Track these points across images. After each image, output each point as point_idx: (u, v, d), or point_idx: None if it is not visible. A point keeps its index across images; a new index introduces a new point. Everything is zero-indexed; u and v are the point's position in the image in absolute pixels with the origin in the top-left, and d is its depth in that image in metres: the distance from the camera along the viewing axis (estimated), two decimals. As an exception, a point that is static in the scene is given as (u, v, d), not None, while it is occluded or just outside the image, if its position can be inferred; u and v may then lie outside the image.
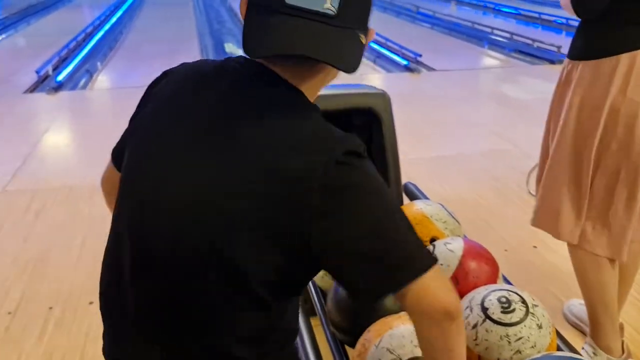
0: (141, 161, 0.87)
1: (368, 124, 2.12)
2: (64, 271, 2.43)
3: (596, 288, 1.72)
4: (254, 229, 0.78)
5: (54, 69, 6.52)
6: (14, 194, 3.20)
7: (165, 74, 0.94)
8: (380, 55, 7.21)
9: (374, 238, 0.77)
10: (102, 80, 6.11)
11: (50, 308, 2.17)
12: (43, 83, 5.95)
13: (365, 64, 7.07)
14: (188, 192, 0.81)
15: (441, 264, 1.21)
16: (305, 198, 0.76)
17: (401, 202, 2.11)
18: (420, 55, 6.84)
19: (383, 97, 2.09)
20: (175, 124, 0.85)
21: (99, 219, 2.90)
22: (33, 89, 5.76)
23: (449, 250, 1.32)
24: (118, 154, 0.94)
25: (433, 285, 0.77)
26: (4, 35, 9.27)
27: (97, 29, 8.38)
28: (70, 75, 6.27)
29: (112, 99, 4.67)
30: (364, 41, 0.82)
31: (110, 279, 0.92)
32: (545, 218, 1.76)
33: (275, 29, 0.77)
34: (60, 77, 5.93)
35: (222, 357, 0.85)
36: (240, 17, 0.82)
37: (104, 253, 0.93)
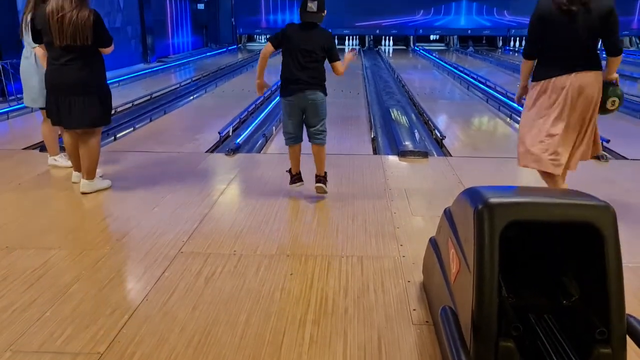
0: (293, 43, 4.02)
1: (585, 239, 1.80)
2: (226, 352, 2.36)
3: None
4: (320, 50, 4.06)
5: (234, 130, 6.97)
6: (189, 256, 3.28)
7: (285, 28, 4.09)
8: (560, 138, 6.67)
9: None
10: (276, 144, 6.33)
11: (209, 395, 2.08)
12: (223, 143, 6.34)
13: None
14: (302, 44, 4.04)
15: None
16: (327, 41, 4.08)
17: (624, 341, 1.72)
18: (608, 141, 6.19)
19: (607, 210, 1.76)
20: (298, 35, 4.04)
21: (266, 295, 2.86)
22: (214, 149, 6.15)
23: None
24: (277, 43, 4.03)
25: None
26: (195, 95, 10.25)
27: (274, 93, 8.90)
28: (248, 138, 6.61)
29: (282, 164, 4.75)
30: (323, 14, 4.07)
31: (289, 64, 4.09)
32: None
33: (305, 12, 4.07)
34: (239, 140, 6.26)
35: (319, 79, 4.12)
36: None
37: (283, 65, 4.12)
